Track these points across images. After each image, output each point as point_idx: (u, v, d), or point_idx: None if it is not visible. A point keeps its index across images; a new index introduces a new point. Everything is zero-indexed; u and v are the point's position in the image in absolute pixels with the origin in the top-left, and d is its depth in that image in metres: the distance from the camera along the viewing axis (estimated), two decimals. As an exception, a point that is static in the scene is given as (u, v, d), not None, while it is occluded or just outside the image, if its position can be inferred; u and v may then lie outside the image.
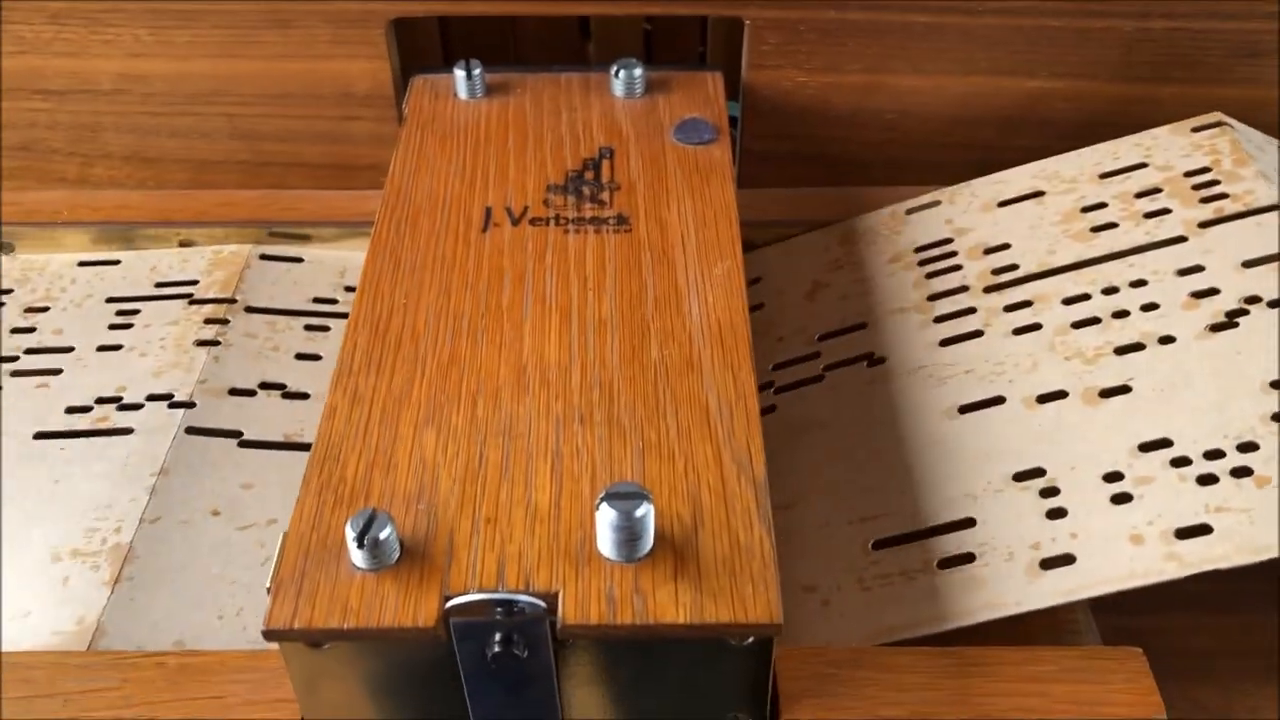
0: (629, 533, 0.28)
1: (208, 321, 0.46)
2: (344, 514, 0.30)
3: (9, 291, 0.49)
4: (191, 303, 0.47)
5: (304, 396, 0.44)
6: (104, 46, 0.48)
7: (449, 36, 0.55)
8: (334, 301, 0.48)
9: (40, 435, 0.42)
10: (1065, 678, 0.32)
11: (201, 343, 0.45)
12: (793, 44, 0.48)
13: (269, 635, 0.28)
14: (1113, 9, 0.46)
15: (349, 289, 0.48)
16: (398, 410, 0.33)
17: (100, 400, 0.43)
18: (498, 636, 0.28)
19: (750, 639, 0.28)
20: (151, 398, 0.43)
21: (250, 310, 0.47)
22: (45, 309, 0.48)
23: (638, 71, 0.46)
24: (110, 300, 0.48)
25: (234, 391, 0.44)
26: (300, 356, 0.46)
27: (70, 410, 0.43)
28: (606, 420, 0.33)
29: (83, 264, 0.50)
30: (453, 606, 0.28)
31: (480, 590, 0.28)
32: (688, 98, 0.46)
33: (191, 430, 0.42)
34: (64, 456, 0.41)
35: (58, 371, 0.45)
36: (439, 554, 0.29)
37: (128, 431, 0.42)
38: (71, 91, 0.49)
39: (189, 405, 0.43)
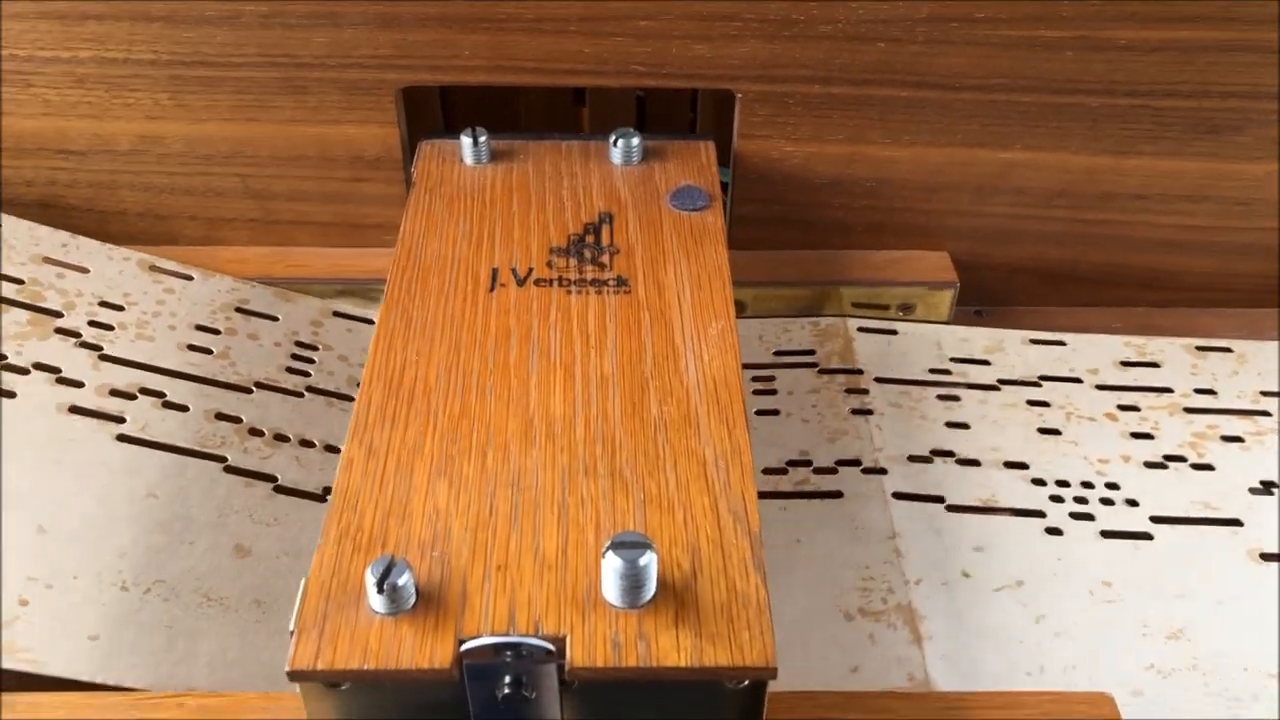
0: (633, 580, 0.30)
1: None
2: (362, 561, 0.32)
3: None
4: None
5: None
6: (124, 109, 0.50)
7: (448, 102, 0.58)
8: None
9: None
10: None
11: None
12: (781, 116, 0.50)
13: (293, 676, 0.29)
14: (1080, 87, 0.49)
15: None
16: (411, 462, 0.35)
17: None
18: (508, 678, 0.30)
19: (745, 682, 0.30)
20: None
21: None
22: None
23: (635, 140, 0.49)
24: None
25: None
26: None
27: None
28: (609, 473, 0.35)
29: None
30: (467, 649, 0.29)
31: (493, 634, 0.30)
32: (682, 165, 0.49)
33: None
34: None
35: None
36: (453, 599, 0.31)
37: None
38: (92, 151, 0.52)
39: None
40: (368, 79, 0.49)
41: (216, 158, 0.52)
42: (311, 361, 0.49)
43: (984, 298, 0.53)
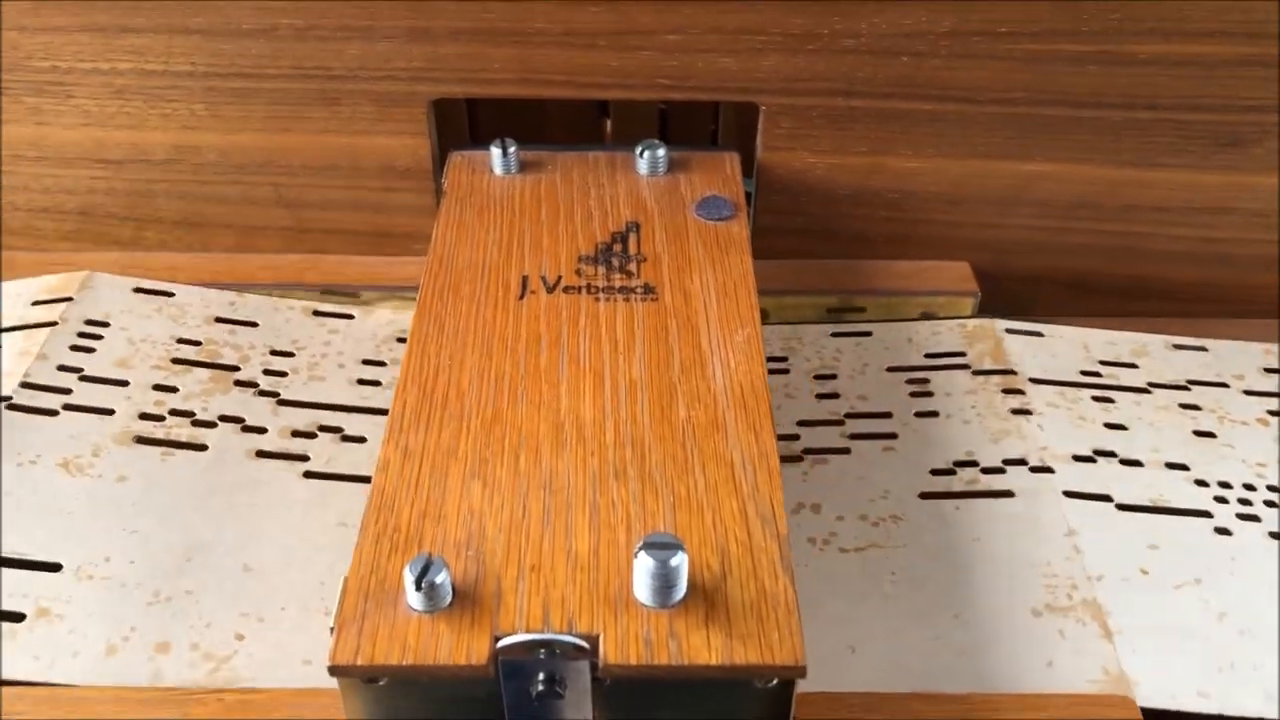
0: (665, 580, 0.31)
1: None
2: (400, 560, 0.32)
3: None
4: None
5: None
6: (162, 120, 0.51)
7: (474, 114, 0.59)
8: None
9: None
10: (1064, 722, 0.35)
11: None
12: (804, 128, 0.51)
13: (333, 671, 0.30)
14: (1102, 100, 0.50)
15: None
16: (446, 464, 0.36)
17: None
18: (541, 676, 0.31)
19: (774, 681, 0.31)
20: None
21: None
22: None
23: (660, 152, 0.49)
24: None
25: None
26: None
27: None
28: (639, 475, 0.35)
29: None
30: (503, 646, 0.30)
31: (528, 632, 0.30)
32: (707, 176, 0.50)
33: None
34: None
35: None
36: (488, 597, 0.31)
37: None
38: (129, 161, 0.53)
39: None
40: (399, 91, 0.50)
41: (250, 167, 0.53)
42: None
43: (1005, 309, 0.54)
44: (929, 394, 0.48)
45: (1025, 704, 0.35)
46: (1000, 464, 0.45)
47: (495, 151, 0.49)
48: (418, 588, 0.30)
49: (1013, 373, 0.49)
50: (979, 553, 0.41)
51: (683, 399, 0.38)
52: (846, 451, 0.46)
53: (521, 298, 0.43)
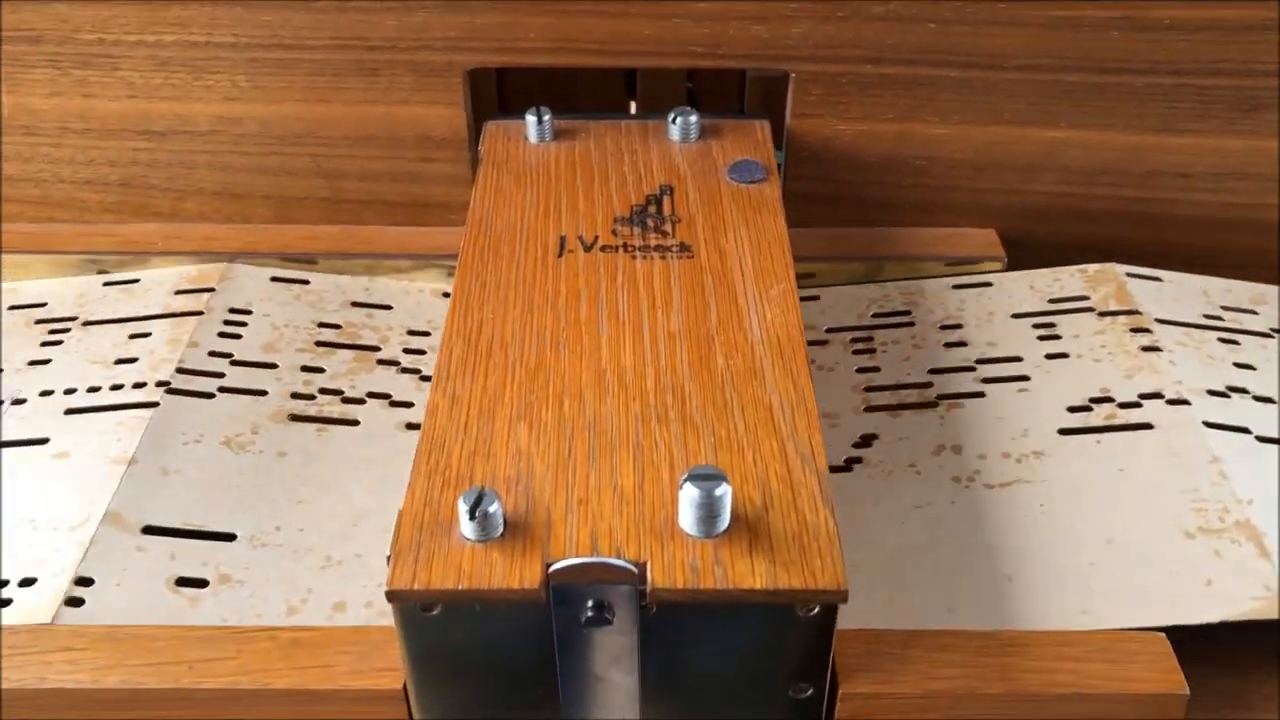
0: (709, 510, 0.32)
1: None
2: (452, 494, 0.33)
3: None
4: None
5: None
6: (204, 91, 0.53)
7: (504, 85, 0.60)
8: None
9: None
10: (1096, 657, 0.36)
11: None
12: (833, 95, 0.52)
13: (391, 596, 0.31)
14: (1125, 66, 0.51)
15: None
16: (493, 408, 0.37)
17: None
18: (590, 602, 0.32)
19: (816, 609, 0.32)
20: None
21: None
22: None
23: (693, 118, 0.50)
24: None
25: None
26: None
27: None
28: (680, 419, 0.36)
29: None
30: (555, 570, 0.31)
31: (579, 556, 0.31)
32: (738, 142, 0.51)
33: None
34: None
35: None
36: (538, 528, 0.32)
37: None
38: (172, 132, 0.54)
39: None
40: (436, 61, 0.51)
41: (290, 138, 0.54)
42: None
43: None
44: (1057, 337, 0.49)
45: (1053, 639, 0.36)
46: (1136, 398, 0.45)
47: (530, 119, 0.51)
48: (471, 517, 0.31)
49: (1138, 313, 0.49)
50: (1125, 483, 0.42)
51: (720, 349, 0.39)
52: (981, 395, 0.47)
53: (560, 256, 0.44)
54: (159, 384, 0.47)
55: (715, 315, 0.41)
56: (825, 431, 0.45)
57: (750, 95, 0.62)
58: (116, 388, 0.48)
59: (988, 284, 0.53)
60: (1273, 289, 0.53)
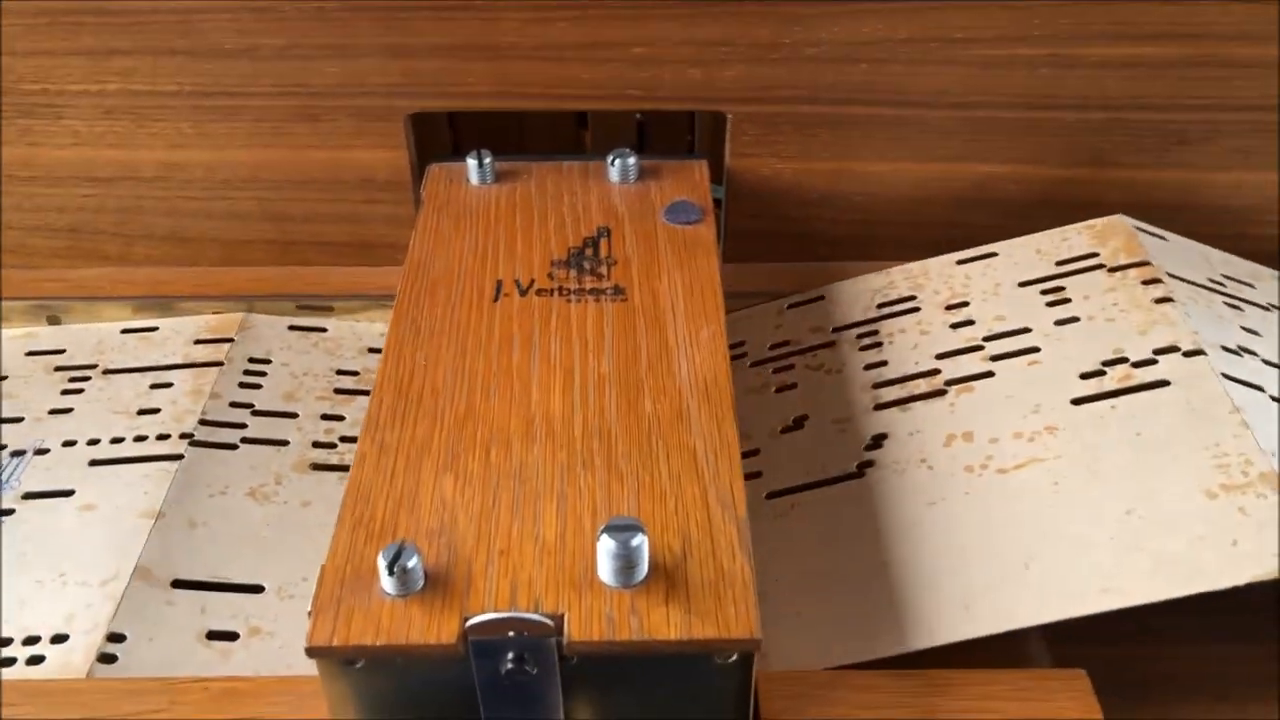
0: (626, 561, 0.32)
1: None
2: (374, 548, 0.34)
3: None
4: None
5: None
6: (149, 138, 0.53)
7: (456, 127, 0.61)
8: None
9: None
10: (1018, 696, 0.36)
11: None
12: (770, 135, 0.53)
13: (310, 652, 0.31)
14: (1055, 102, 0.52)
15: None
16: (420, 458, 0.37)
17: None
18: (510, 654, 0.32)
19: (734, 656, 0.32)
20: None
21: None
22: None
23: (631, 160, 0.51)
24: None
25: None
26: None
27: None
28: (606, 465, 0.37)
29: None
30: (472, 625, 0.31)
31: (496, 610, 0.32)
32: (676, 183, 0.51)
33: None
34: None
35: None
36: (459, 581, 0.33)
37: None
38: (118, 179, 0.55)
39: None
40: (378, 106, 0.52)
41: (235, 182, 0.55)
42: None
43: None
44: (1066, 300, 0.47)
45: (977, 679, 0.37)
46: (1151, 355, 0.43)
47: (471, 162, 0.51)
48: (390, 573, 0.32)
49: (1148, 264, 0.47)
50: (1142, 447, 0.40)
51: (649, 393, 0.40)
52: (990, 375, 0.45)
53: (495, 300, 0.44)
54: (182, 435, 0.48)
55: (646, 359, 0.41)
56: (836, 437, 0.46)
57: (700, 132, 0.62)
58: (140, 439, 0.48)
59: (993, 254, 0.51)
60: (1268, 270, 0.52)
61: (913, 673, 0.37)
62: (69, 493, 0.46)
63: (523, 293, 0.45)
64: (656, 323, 0.43)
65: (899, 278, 0.52)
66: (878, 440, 0.45)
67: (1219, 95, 0.51)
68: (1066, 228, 0.51)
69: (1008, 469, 0.42)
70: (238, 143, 0.53)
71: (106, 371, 0.52)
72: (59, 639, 0.40)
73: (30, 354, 0.54)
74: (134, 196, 0.55)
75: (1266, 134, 0.53)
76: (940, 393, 0.46)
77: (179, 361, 0.53)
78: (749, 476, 0.46)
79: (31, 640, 0.40)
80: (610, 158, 0.51)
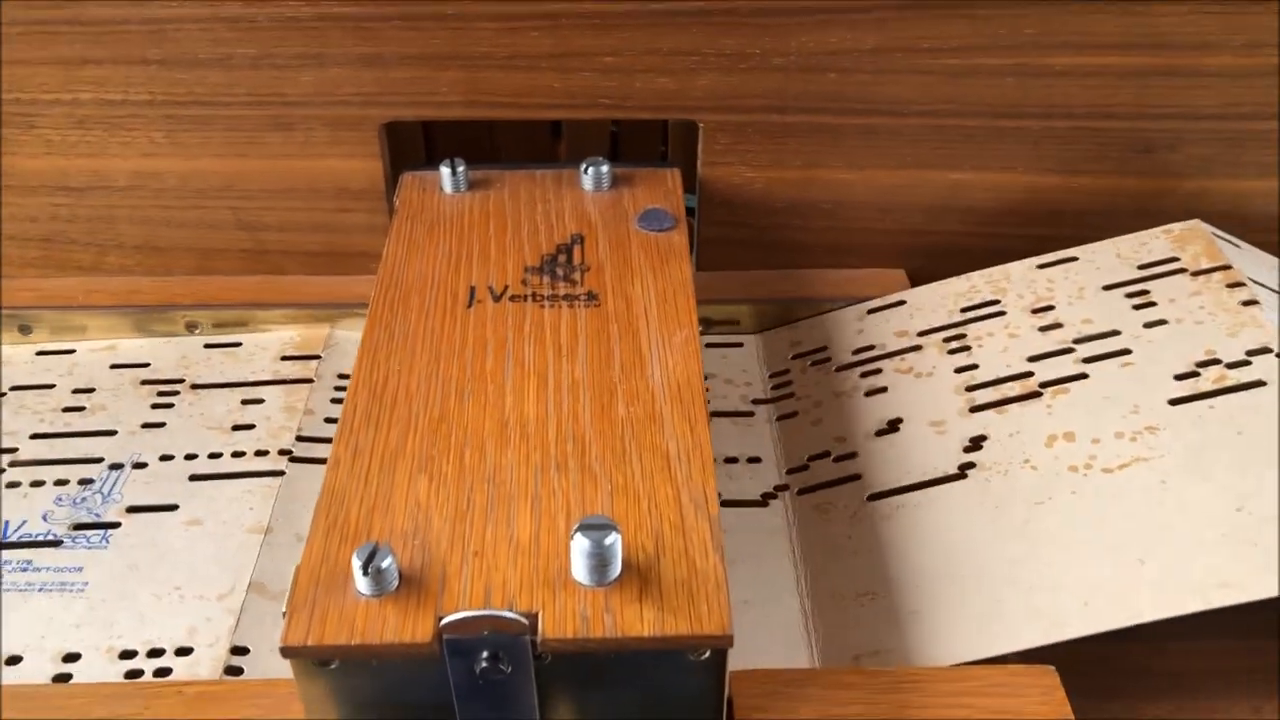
0: (599, 559, 0.32)
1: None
2: (348, 550, 0.34)
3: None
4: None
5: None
6: (121, 148, 0.53)
7: (431, 136, 0.61)
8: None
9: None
10: (989, 692, 0.37)
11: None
12: (741, 144, 0.54)
13: (285, 652, 0.31)
14: (1022, 111, 0.53)
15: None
16: (394, 461, 0.37)
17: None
18: (485, 654, 0.32)
19: (707, 653, 0.32)
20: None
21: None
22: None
23: (604, 168, 0.52)
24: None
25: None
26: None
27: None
28: (579, 467, 0.37)
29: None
30: (446, 624, 0.32)
31: (471, 608, 0.32)
32: (649, 191, 0.52)
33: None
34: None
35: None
36: (433, 582, 0.33)
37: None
38: (90, 188, 0.54)
39: None
40: (351, 115, 0.52)
41: (209, 192, 0.55)
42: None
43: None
44: (1152, 304, 0.48)
45: (948, 675, 0.37)
46: (1244, 356, 0.44)
47: (445, 171, 0.52)
48: (364, 573, 0.32)
49: (1230, 267, 0.48)
50: (1245, 444, 0.41)
51: (622, 396, 0.40)
52: (1084, 377, 0.46)
53: (469, 307, 0.45)
54: (281, 452, 0.49)
55: (619, 363, 0.42)
56: (934, 439, 0.46)
57: (673, 140, 0.63)
58: (238, 454, 0.49)
59: (1073, 259, 0.52)
60: None
61: (886, 670, 0.37)
62: (173, 507, 0.46)
63: (496, 299, 0.45)
64: (630, 328, 0.43)
65: (980, 282, 0.52)
66: (976, 442, 0.45)
67: (1182, 104, 0.52)
68: (1143, 233, 0.52)
69: (1113, 468, 0.42)
70: (211, 152, 0.53)
71: (194, 386, 0.53)
72: (183, 652, 0.41)
73: (114, 367, 0.54)
74: (107, 206, 0.55)
75: (1228, 143, 0.54)
76: (1035, 395, 0.46)
77: (268, 378, 0.53)
78: (848, 479, 0.47)
79: (156, 653, 0.41)
80: (583, 165, 0.52)
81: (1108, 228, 0.56)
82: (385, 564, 0.32)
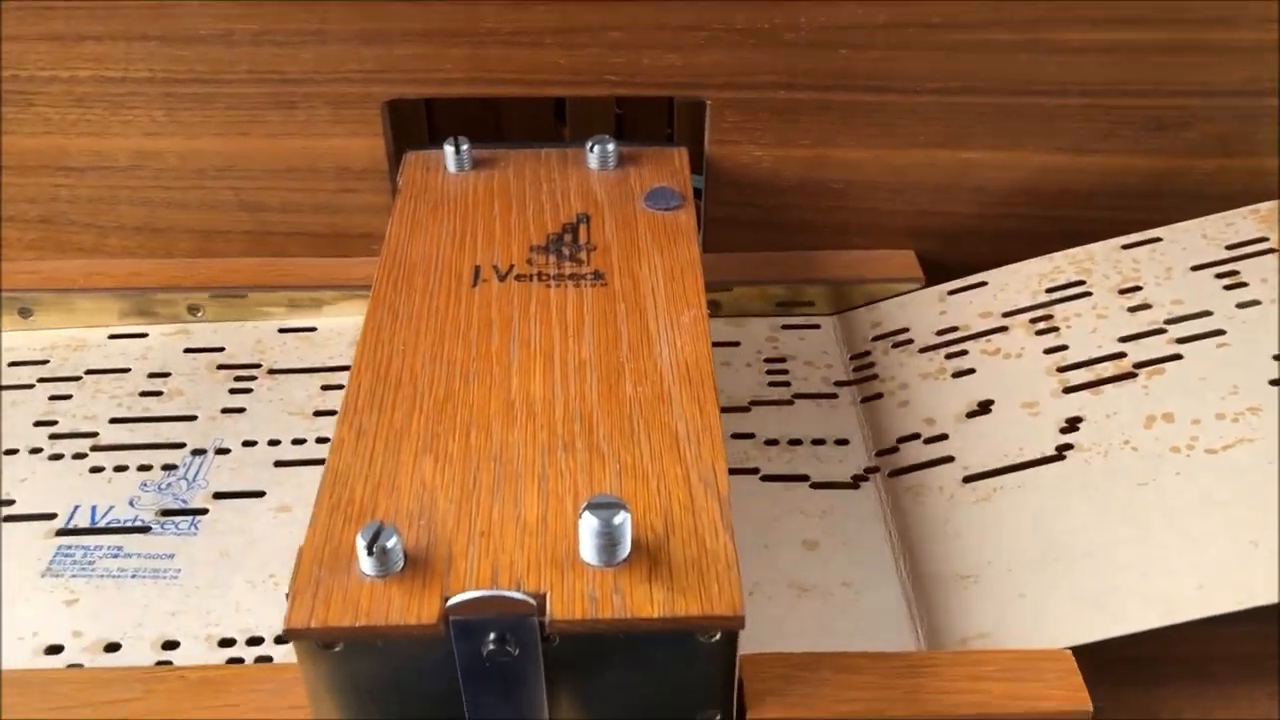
0: (609, 539, 0.32)
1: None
2: (353, 530, 0.33)
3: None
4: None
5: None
6: (122, 126, 0.53)
7: (433, 115, 0.60)
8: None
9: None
10: (1004, 677, 0.36)
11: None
12: (749, 121, 0.53)
13: (288, 634, 0.31)
14: (1034, 88, 0.52)
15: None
16: (399, 441, 0.37)
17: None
18: (492, 635, 0.32)
19: (717, 635, 0.32)
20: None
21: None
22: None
23: (610, 146, 0.51)
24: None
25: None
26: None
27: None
28: (587, 447, 0.36)
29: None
30: (453, 605, 0.31)
31: (478, 589, 0.31)
32: (656, 170, 0.51)
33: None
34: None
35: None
36: (439, 562, 0.32)
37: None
38: (91, 168, 0.54)
39: None
40: (354, 93, 0.52)
41: (210, 171, 0.54)
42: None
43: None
44: (1244, 284, 0.47)
45: (962, 659, 0.36)
46: None
47: (448, 149, 0.51)
48: (369, 553, 0.31)
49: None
50: None
51: (630, 376, 0.39)
52: (1179, 357, 0.45)
53: (474, 286, 0.44)
54: None
55: (626, 343, 0.41)
56: (1027, 420, 0.45)
57: (679, 120, 0.62)
58: (322, 440, 0.48)
59: (1158, 239, 0.51)
60: None
61: (898, 654, 0.37)
62: (260, 494, 0.46)
63: (501, 278, 0.44)
64: (637, 307, 0.43)
65: (1064, 262, 0.52)
66: (1073, 423, 0.45)
67: (1197, 81, 0.52)
68: (1229, 213, 0.51)
69: (1216, 449, 0.41)
70: (212, 131, 0.53)
71: (272, 371, 0.52)
72: (282, 640, 0.40)
73: (188, 351, 0.53)
74: (107, 186, 0.54)
75: (1245, 120, 0.53)
76: (1130, 375, 0.45)
77: (345, 364, 0.52)
78: (940, 461, 0.46)
79: (255, 641, 0.40)
80: (589, 144, 0.51)
81: (1116, 207, 0.56)
82: (390, 544, 0.32)
